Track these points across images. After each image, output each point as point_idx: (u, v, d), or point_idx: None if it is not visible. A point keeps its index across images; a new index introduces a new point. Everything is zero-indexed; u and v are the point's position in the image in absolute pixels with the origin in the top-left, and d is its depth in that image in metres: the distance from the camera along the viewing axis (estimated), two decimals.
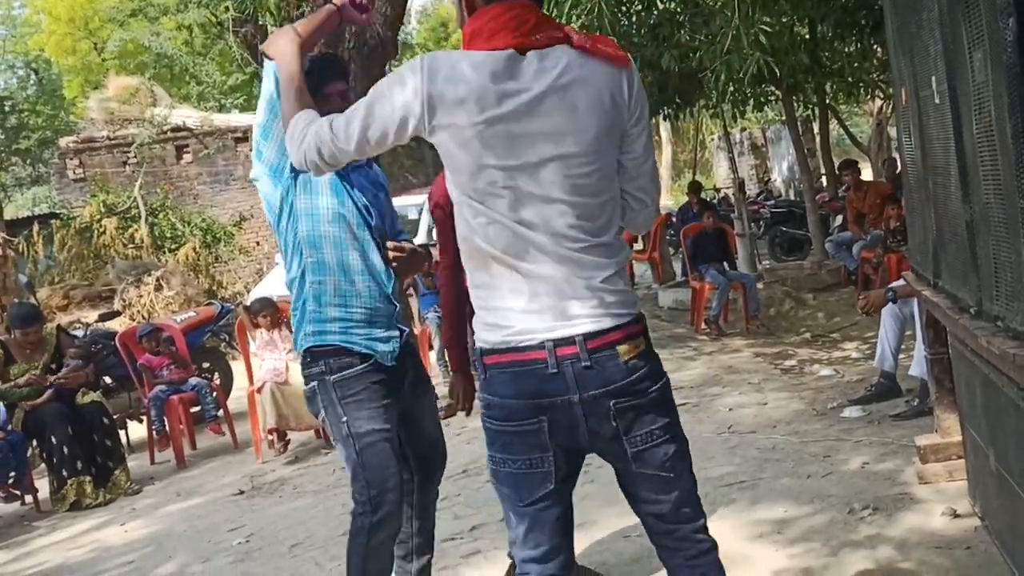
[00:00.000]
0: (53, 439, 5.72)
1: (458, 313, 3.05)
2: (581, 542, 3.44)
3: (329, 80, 2.67)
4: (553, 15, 7.32)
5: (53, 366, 5.97)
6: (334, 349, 2.70)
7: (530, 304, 1.83)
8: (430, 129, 1.82)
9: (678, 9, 8.37)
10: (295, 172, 2.64)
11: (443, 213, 2.82)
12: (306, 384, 2.77)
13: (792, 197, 16.80)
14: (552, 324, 1.83)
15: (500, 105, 1.78)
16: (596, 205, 1.87)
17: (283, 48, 2.26)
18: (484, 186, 1.82)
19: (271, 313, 6.37)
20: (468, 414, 3.13)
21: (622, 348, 1.85)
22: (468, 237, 1.88)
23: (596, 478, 3.73)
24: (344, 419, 2.67)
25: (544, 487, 1.92)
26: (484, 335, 1.89)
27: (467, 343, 3.19)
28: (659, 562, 3.19)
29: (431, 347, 7.76)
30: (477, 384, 2.08)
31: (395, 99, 1.83)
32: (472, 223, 1.86)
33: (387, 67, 7.44)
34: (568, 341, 1.82)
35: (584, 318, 1.83)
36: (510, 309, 1.85)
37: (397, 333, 2.80)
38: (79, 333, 7.77)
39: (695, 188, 12.70)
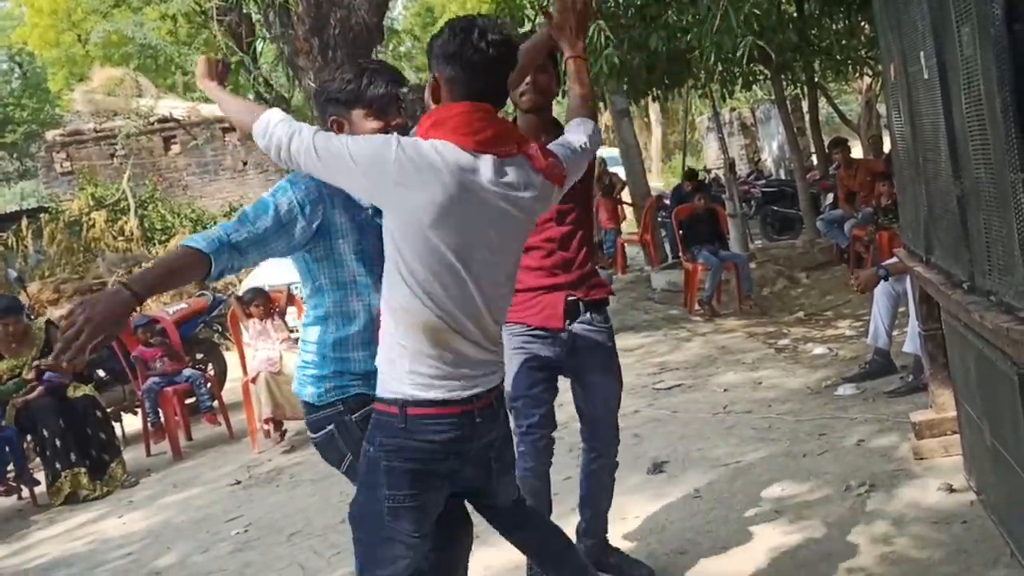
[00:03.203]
0: (45, 432, 5.70)
1: None
2: (620, 530, 3.49)
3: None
4: None
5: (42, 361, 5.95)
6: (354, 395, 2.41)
7: (457, 365, 2.09)
8: (383, 196, 2.01)
9: None
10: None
11: None
12: (316, 432, 2.43)
13: (783, 176, 16.78)
14: (475, 381, 2.12)
15: (456, 190, 1.98)
16: (508, 290, 2.20)
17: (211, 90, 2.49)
18: (428, 260, 2.01)
19: (263, 303, 6.37)
20: None
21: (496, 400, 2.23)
22: (407, 306, 2.04)
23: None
24: None
25: (434, 515, 2.18)
26: (409, 390, 2.07)
27: None
28: (705, 553, 3.20)
29: None
30: (378, 430, 2.16)
31: (365, 153, 1.99)
32: (413, 291, 2.03)
33: (373, 53, 7.37)
34: (483, 396, 2.14)
35: (491, 376, 2.17)
36: (440, 368, 2.07)
37: None
38: None
39: (691, 176, 12.65)
